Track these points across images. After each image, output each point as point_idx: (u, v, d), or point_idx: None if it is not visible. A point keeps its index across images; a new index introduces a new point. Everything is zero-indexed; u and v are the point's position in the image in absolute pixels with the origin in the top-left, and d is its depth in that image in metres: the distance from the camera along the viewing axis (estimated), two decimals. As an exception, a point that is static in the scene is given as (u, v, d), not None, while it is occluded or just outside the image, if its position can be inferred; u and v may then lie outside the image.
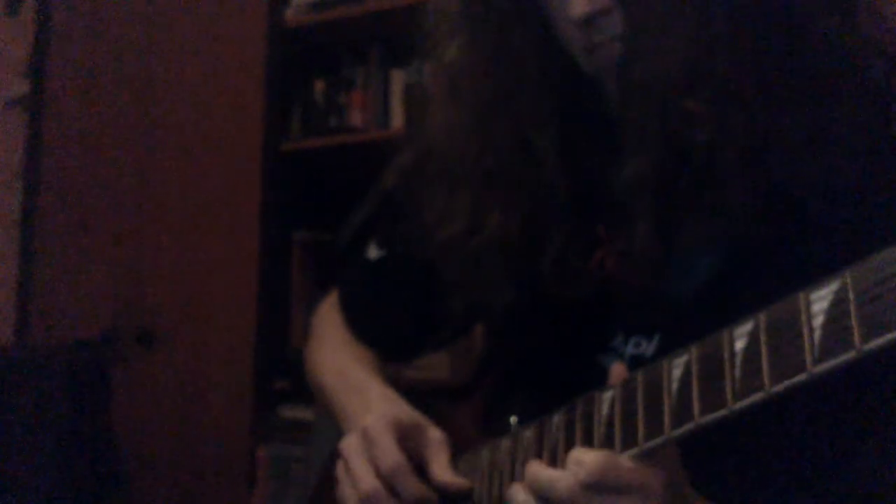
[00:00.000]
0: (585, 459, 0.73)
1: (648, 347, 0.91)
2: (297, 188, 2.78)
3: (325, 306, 1.24)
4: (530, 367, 1.02)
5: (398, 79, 2.70)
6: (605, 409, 0.77)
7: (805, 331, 0.60)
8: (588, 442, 0.78)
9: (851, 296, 0.58)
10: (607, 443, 0.76)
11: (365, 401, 1.03)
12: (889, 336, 0.55)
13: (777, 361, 0.62)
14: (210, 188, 2.77)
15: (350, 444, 0.97)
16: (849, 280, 0.58)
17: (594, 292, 0.92)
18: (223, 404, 2.64)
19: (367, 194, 1.17)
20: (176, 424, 2.68)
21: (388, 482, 0.93)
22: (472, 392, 1.09)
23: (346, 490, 0.97)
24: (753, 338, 0.64)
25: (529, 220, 0.94)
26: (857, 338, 0.57)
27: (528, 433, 0.89)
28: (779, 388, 0.62)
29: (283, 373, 2.62)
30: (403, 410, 0.99)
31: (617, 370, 0.79)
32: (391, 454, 0.93)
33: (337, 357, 1.15)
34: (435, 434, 0.97)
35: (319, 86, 2.81)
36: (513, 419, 0.96)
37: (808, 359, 0.60)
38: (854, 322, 0.57)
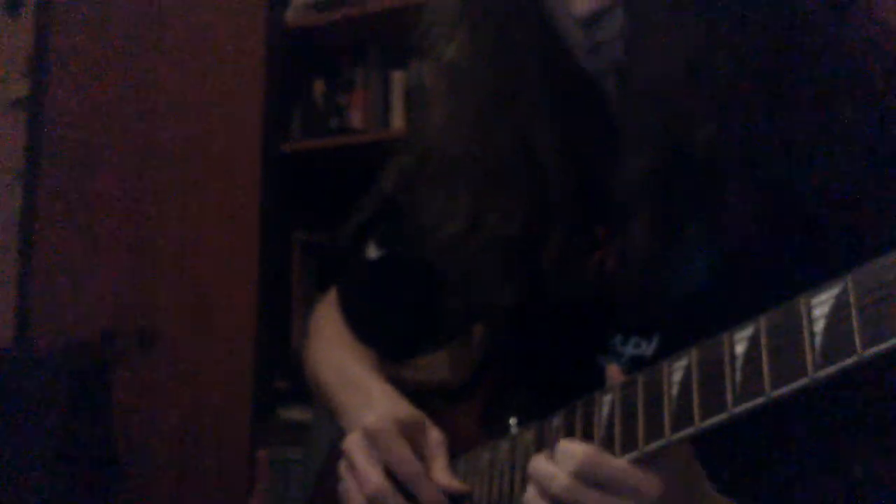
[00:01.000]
0: (574, 451, 0.74)
1: (648, 348, 0.90)
2: (298, 189, 2.78)
3: (323, 305, 1.24)
4: (530, 367, 1.02)
5: (398, 79, 2.70)
6: (604, 411, 0.77)
7: (806, 335, 0.60)
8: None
9: (853, 300, 0.57)
10: (607, 445, 0.76)
11: (365, 398, 1.03)
12: (890, 342, 0.55)
13: (778, 366, 0.62)
14: (210, 189, 2.76)
15: (354, 443, 0.97)
16: (850, 284, 0.58)
17: (594, 293, 0.92)
18: (223, 405, 2.63)
19: (367, 195, 1.17)
20: (176, 425, 2.68)
21: (406, 485, 0.94)
22: (471, 393, 1.09)
23: (349, 488, 0.97)
24: (754, 342, 0.64)
25: (529, 220, 0.94)
26: (858, 343, 0.56)
27: (528, 434, 0.89)
28: (779, 392, 0.62)
29: (283, 374, 2.62)
30: (404, 409, 1.00)
31: (612, 371, 0.79)
32: (408, 458, 0.94)
33: (336, 354, 1.15)
34: (435, 435, 0.98)
35: (319, 87, 2.81)
36: (512, 420, 0.96)
37: (809, 363, 0.59)
38: (855, 327, 0.57)
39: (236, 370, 2.63)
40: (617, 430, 0.75)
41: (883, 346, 0.55)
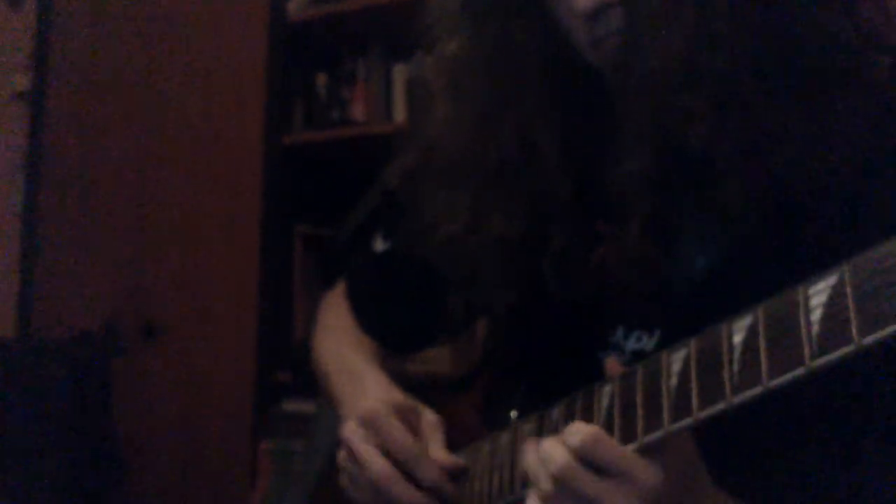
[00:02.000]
0: (580, 428, 0.73)
1: (649, 342, 0.91)
2: (299, 181, 2.78)
3: (332, 296, 1.25)
4: (531, 361, 1.02)
5: (400, 72, 2.70)
6: (604, 402, 0.78)
7: (803, 324, 0.60)
8: (587, 435, 0.78)
9: (849, 290, 0.58)
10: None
11: (360, 386, 1.05)
12: (887, 330, 0.55)
13: (775, 355, 0.62)
14: (212, 181, 2.77)
15: (351, 430, 0.97)
16: (847, 274, 0.58)
17: (595, 288, 0.92)
18: (225, 397, 2.64)
19: (369, 187, 1.17)
20: (178, 417, 2.68)
21: (405, 466, 0.93)
22: (472, 385, 1.10)
23: (351, 475, 0.97)
24: (752, 331, 0.64)
25: (531, 217, 0.94)
26: (855, 332, 0.57)
27: (528, 426, 0.89)
28: (777, 381, 0.62)
29: (285, 366, 2.62)
30: (397, 395, 1.00)
31: (611, 364, 0.79)
32: (404, 439, 0.94)
33: (338, 345, 1.16)
34: (430, 416, 0.98)
35: (321, 79, 2.81)
36: (513, 413, 0.96)
37: (807, 353, 0.60)
38: (852, 316, 0.57)
39: (238, 362, 2.64)
40: (616, 420, 0.75)
41: (880, 335, 0.55)
